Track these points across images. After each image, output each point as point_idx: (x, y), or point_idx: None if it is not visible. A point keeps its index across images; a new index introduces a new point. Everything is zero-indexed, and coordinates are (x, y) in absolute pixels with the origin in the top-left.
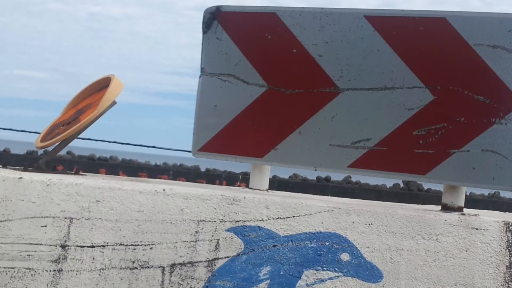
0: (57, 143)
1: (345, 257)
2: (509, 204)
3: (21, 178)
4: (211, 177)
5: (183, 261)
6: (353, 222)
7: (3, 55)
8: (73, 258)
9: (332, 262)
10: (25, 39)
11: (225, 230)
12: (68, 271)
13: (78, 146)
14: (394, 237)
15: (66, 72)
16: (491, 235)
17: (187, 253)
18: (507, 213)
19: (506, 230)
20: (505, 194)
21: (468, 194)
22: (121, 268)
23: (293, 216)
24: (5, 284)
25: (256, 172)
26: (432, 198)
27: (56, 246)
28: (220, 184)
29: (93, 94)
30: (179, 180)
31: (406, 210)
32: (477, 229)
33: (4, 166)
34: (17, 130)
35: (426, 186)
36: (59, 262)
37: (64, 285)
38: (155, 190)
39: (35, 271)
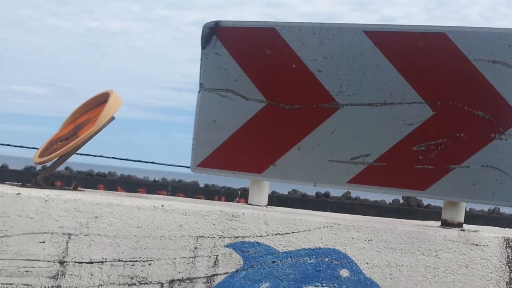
0: (55, 159)
1: (344, 273)
2: (509, 220)
3: (19, 194)
4: (210, 193)
5: (182, 277)
6: (352, 238)
7: (1, 70)
8: (72, 274)
9: (331, 278)
10: (23, 55)
11: (224, 246)
12: (67, 287)
13: (76, 161)
14: (393, 253)
15: (65, 88)
16: (491, 251)
17: (186, 269)
18: (507, 229)
19: (506, 246)
20: (505, 210)
21: (468, 210)
22: (119, 284)
23: (292, 232)
24: None
25: (255, 187)
26: (431, 214)
27: (54, 262)
28: (219, 200)
29: (92, 110)
30: (178, 196)
31: (405, 226)
32: (477, 245)
33: (2, 182)
34: (15, 146)
35: (425, 202)
36: (57, 278)
37: None
38: (154, 206)
39: (33, 287)
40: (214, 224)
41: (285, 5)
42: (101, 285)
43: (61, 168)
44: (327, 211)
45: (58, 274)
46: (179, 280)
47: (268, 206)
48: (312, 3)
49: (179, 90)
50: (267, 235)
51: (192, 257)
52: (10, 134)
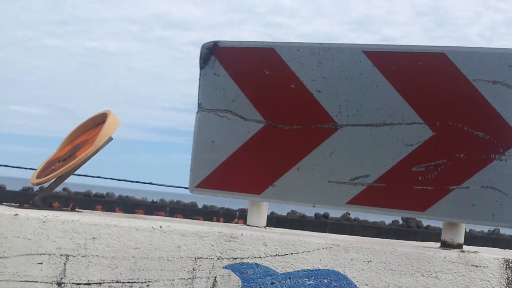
0: (53, 180)
1: None
2: (509, 241)
3: (16, 215)
4: (208, 214)
5: None
6: (351, 259)
7: None
8: None
9: None
10: (21, 75)
11: (223, 267)
12: None
13: (74, 182)
14: (393, 275)
15: (63, 108)
16: (491, 272)
17: None
18: (507, 250)
19: (506, 267)
20: (505, 231)
21: (467, 231)
22: None
23: (291, 253)
24: None
25: (254, 208)
26: (431, 235)
27: (52, 283)
28: (218, 221)
29: (89, 130)
30: (176, 217)
31: (405, 247)
32: (476, 266)
33: (0, 203)
34: (13, 167)
35: (425, 223)
36: None
37: None
38: (152, 227)
39: None
40: (212, 245)
41: (284, 26)
42: None
43: (58, 189)
44: (326, 232)
45: None
46: None
47: (266, 227)
48: (311, 23)
49: (178, 110)
50: (266, 256)
51: (191, 278)
52: (8, 154)
